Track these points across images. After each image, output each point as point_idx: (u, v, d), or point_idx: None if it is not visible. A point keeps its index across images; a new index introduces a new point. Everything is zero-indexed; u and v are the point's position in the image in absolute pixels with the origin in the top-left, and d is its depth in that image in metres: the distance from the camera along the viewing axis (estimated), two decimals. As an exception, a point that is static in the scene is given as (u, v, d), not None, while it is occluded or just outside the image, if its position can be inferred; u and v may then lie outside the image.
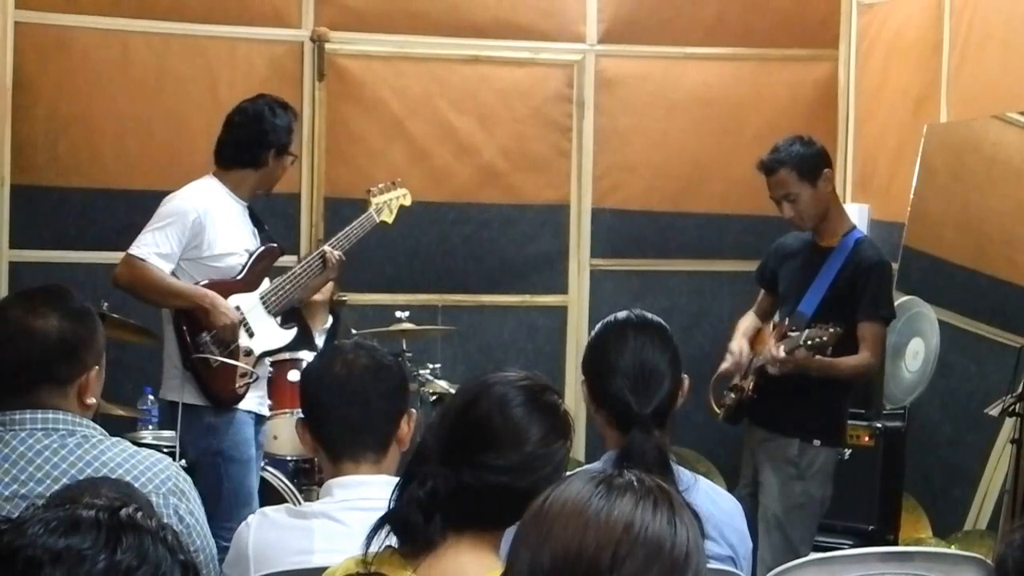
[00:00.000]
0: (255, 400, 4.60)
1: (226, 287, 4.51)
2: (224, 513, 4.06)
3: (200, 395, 4.47)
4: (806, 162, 4.54)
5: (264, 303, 4.62)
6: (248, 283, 4.60)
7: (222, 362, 4.43)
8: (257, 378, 4.56)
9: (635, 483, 1.50)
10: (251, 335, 4.56)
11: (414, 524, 2.07)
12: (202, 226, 4.46)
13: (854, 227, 4.70)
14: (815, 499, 4.59)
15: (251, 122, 4.63)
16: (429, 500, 2.08)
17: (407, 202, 5.24)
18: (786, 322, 4.65)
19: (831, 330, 4.30)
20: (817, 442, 4.55)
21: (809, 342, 4.33)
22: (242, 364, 4.49)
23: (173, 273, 4.46)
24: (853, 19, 6.95)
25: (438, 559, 2.08)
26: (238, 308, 4.51)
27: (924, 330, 5.75)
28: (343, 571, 2.13)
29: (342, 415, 2.67)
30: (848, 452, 4.88)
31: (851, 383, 4.66)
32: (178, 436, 4.63)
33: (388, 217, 5.11)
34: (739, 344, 4.71)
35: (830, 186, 4.61)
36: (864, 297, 4.50)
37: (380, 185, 5.15)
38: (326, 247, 4.77)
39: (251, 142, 4.60)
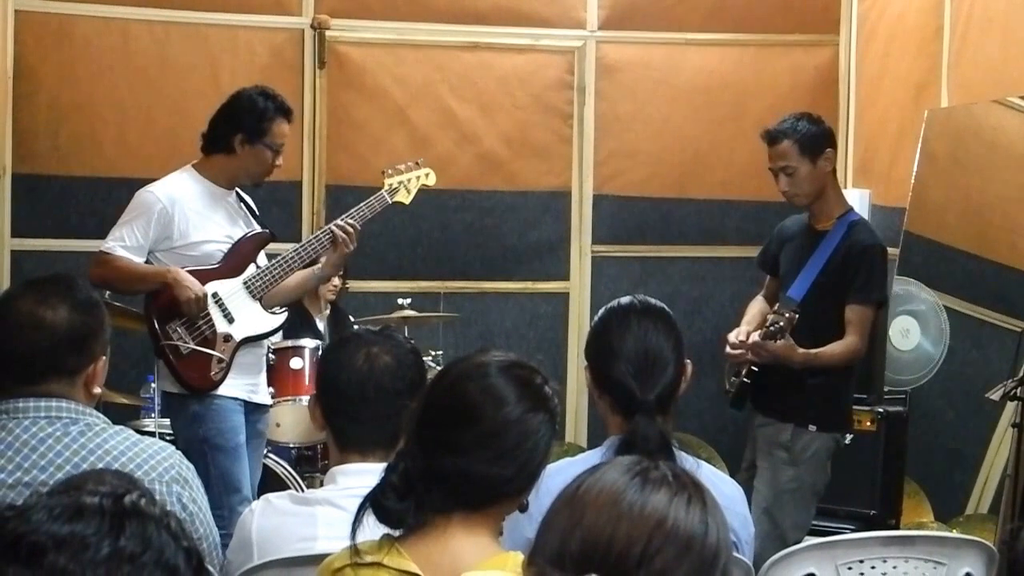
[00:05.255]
0: (241, 387, 4.54)
1: (203, 274, 4.48)
2: (212, 501, 4.01)
3: (176, 383, 4.46)
4: (809, 138, 4.55)
5: (248, 288, 4.56)
6: (229, 269, 4.55)
7: (193, 349, 4.42)
8: (226, 363, 4.48)
9: (671, 478, 1.51)
10: (231, 320, 4.51)
11: (388, 508, 2.08)
12: (170, 216, 4.44)
13: (850, 210, 4.69)
14: (806, 485, 4.55)
15: (227, 106, 4.60)
16: (402, 482, 2.08)
17: (431, 182, 5.09)
18: (777, 307, 4.65)
19: (787, 315, 4.33)
20: (812, 427, 4.52)
21: (771, 327, 4.36)
22: (216, 352, 4.44)
23: (147, 264, 4.46)
24: (854, 4, 6.94)
25: (428, 542, 2.08)
26: (215, 294, 4.47)
27: (919, 311, 5.76)
28: (340, 561, 2.14)
29: (357, 409, 2.66)
30: (850, 437, 4.85)
31: (851, 369, 4.65)
32: (159, 421, 4.65)
33: (405, 198, 4.98)
34: (736, 333, 4.70)
35: (830, 166, 4.60)
36: (855, 281, 4.50)
37: (400, 165, 5.03)
38: (333, 224, 4.68)
39: (221, 125, 4.57)
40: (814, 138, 4.56)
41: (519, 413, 2.12)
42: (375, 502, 2.09)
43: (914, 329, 5.82)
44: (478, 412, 2.11)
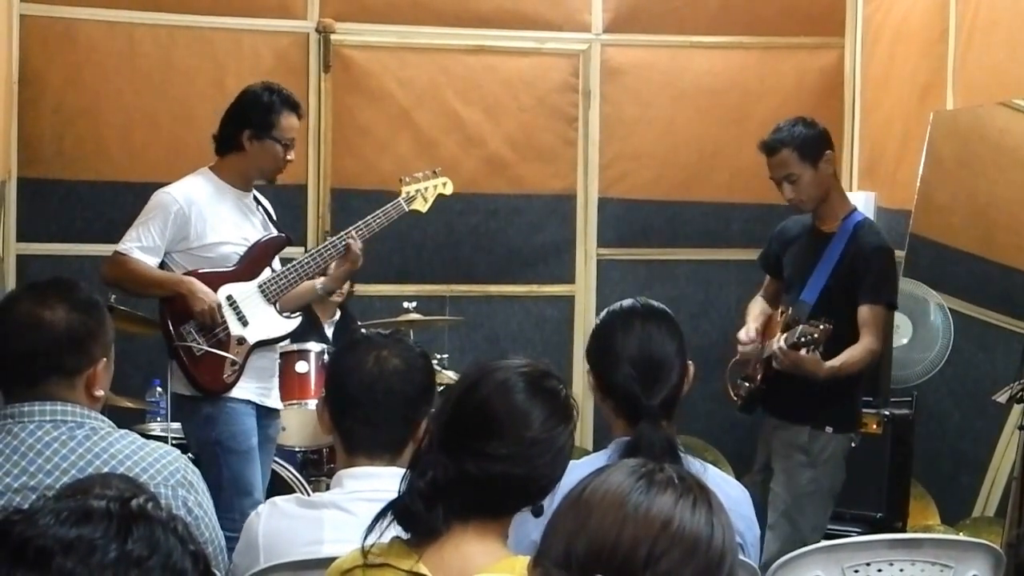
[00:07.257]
0: (253, 390, 4.56)
1: (218, 277, 4.50)
2: (224, 503, 4.03)
3: (188, 385, 4.48)
4: (808, 143, 4.51)
5: (262, 292, 4.58)
6: (244, 272, 4.57)
7: (207, 351, 4.43)
8: (239, 366, 4.50)
9: (676, 480, 1.51)
10: (245, 324, 4.53)
11: (415, 513, 2.08)
12: (186, 217, 4.46)
13: (854, 209, 4.67)
14: (824, 487, 4.56)
15: (234, 104, 4.62)
16: (430, 489, 2.08)
17: (448, 191, 5.11)
18: (790, 311, 4.64)
19: (822, 327, 4.28)
20: (829, 429, 4.52)
21: (802, 339, 4.33)
22: (229, 355, 4.46)
23: (163, 265, 4.48)
24: (859, 6, 6.94)
25: (443, 548, 2.08)
26: (230, 297, 4.50)
27: (914, 309, 5.76)
28: (351, 562, 2.14)
29: (365, 412, 2.66)
30: (857, 440, 4.85)
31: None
32: (169, 425, 4.65)
33: (422, 206, 5.00)
34: (747, 331, 4.69)
35: (831, 168, 4.58)
36: (865, 282, 4.48)
37: (417, 174, 5.05)
38: (351, 232, 4.69)
39: (229, 124, 4.58)
40: (813, 142, 4.53)
41: (547, 431, 2.13)
42: (402, 508, 2.09)
43: (905, 325, 5.81)
44: (506, 429, 2.11)
